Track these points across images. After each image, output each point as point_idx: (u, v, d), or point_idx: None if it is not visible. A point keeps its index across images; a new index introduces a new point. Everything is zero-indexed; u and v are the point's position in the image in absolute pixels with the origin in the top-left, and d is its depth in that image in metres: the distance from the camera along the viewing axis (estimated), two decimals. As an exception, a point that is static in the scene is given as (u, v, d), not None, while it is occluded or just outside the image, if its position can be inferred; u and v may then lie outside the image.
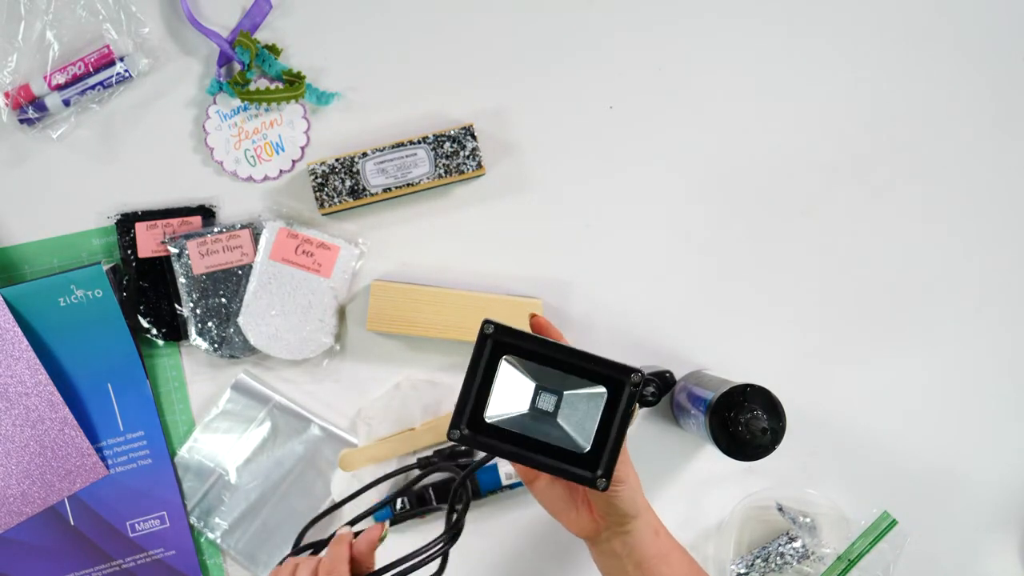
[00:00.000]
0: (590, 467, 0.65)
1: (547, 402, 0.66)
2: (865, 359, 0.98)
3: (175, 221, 0.94)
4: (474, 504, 0.95)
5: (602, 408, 0.65)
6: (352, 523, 0.77)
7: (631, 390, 0.65)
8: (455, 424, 0.65)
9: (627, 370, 0.65)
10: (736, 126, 0.97)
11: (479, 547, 0.96)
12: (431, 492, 0.93)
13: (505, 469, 0.94)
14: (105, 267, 0.92)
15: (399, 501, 0.93)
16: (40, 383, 0.90)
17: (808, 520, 0.94)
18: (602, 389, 0.65)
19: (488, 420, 0.66)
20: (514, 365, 0.66)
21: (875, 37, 0.98)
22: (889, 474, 0.97)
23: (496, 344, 0.65)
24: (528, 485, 0.75)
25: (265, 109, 0.95)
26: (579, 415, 0.66)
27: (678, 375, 0.95)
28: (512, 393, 0.66)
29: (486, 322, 0.65)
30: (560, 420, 0.66)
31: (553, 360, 0.66)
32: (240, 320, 0.93)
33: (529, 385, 0.66)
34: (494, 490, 0.93)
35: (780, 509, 0.94)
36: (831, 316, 0.97)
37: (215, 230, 0.93)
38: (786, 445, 0.85)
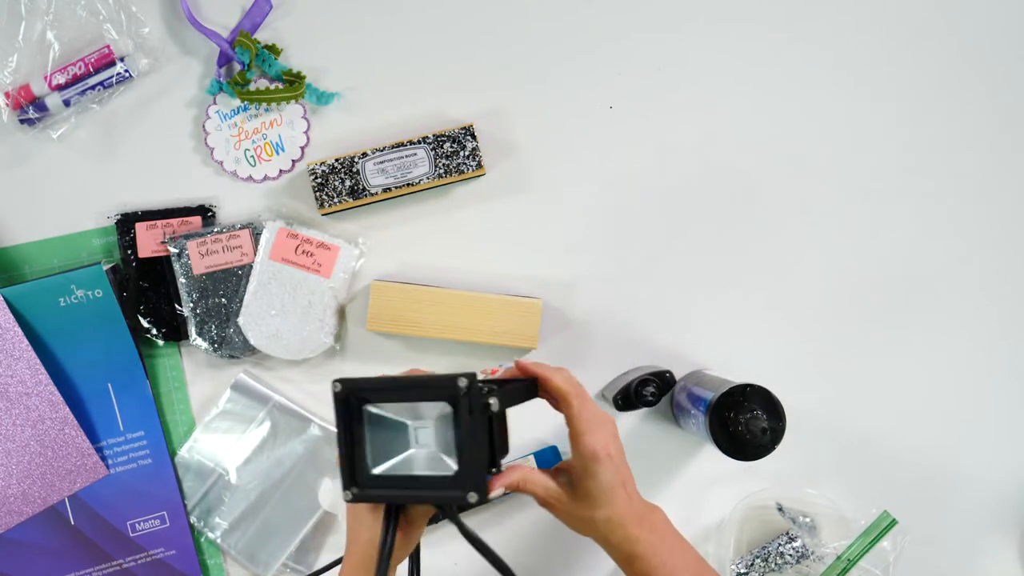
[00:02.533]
0: (461, 487, 0.62)
1: (425, 436, 0.65)
2: (865, 359, 0.98)
3: (175, 221, 0.94)
4: (474, 511, 0.95)
5: (453, 423, 0.63)
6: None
7: (463, 395, 0.61)
8: (345, 486, 0.64)
9: (453, 379, 0.62)
10: (736, 126, 0.97)
11: (478, 556, 0.96)
12: None
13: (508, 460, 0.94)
14: (105, 267, 0.92)
15: None
16: (40, 383, 0.90)
17: (808, 520, 0.94)
18: (447, 407, 0.63)
19: (376, 472, 0.65)
20: (382, 414, 0.65)
21: (874, 39, 0.98)
22: (889, 474, 0.97)
23: (351, 398, 0.64)
24: (550, 510, 0.74)
25: (265, 109, 0.95)
26: (448, 438, 0.64)
27: (678, 375, 0.95)
28: (393, 439, 0.65)
29: (334, 382, 0.64)
30: (437, 449, 0.65)
31: (402, 395, 0.64)
32: (240, 320, 0.93)
33: (404, 425, 0.65)
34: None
35: (780, 509, 0.94)
36: (831, 316, 0.97)
37: (215, 230, 0.93)
38: (786, 445, 0.85)
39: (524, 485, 0.71)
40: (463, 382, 0.61)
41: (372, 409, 0.65)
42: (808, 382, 0.97)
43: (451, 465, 0.64)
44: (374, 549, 0.67)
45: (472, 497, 0.62)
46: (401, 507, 0.66)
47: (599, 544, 0.74)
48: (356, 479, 0.65)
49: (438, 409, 0.64)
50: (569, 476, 0.73)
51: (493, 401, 0.63)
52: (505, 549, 0.96)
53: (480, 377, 0.64)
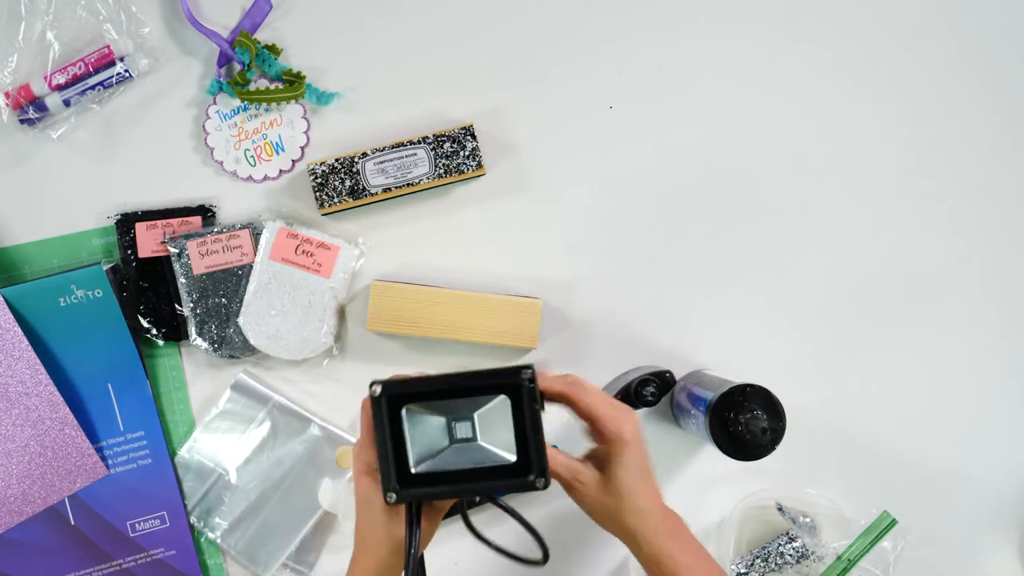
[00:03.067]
0: (524, 474, 0.65)
1: (464, 430, 0.66)
2: (865, 359, 0.98)
3: (175, 221, 0.94)
4: (482, 508, 0.95)
5: (511, 415, 0.65)
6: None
7: (527, 386, 0.64)
8: (386, 488, 0.65)
9: (517, 370, 0.65)
10: (736, 126, 0.97)
11: (480, 553, 0.96)
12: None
13: None
14: (105, 267, 0.92)
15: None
16: (40, 383, 0.90)
17: (808, 520, 0.94)
18: (503, 397, 0.65)
19: (416, 471, 0.65)
20: (418, 411, 0.66)
21: (874, 39, 0.98)
22: (889, 474, 0.97)
23: (390, 399, 0.64)
24: (576, 496, 0.73)
25: (265, 109, 0.95)
26: (497, 430, 0.66)
27: (678, 375, 0.95)
28: (429, 436, 0.66)
29: (372, 384, 0.64)
30: (483, 442, 0.66)
31: (450, 391, 0.65)
32: (240, 320, 0.93)
33: (440, 421, 0.66)
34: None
35: (780, 509, 0.94)
36: (831, 316, 0.97)
37: (215, 230, 0.93)
38: (786, 445, 0.85)
39: (551, 464, 0.69)
40: (528, 373, 0.64)
41: (410, 409, 0.65)
42: (808, 382, 0.97)
43: (501, 455, 0.65)
44: (389, 548, 0.67)
45: (540, 482, 0.64)
46: (422, 505, 0.66)
47: (622, 539, 0.72)
48: (399, 482, 0.65)
49: (482, 406, 0.66)
50: (596, 462, 0.72)
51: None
52: (507, 548, 0.96)
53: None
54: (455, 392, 0.65)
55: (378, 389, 0.64)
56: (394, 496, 0.64)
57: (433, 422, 0.66)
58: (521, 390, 0.64)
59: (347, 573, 0.70)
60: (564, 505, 0.96)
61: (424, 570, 0.71)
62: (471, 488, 0.66)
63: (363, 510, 0.69)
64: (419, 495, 0.65)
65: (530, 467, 0.64)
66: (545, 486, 0.65)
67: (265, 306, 0.93)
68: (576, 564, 0.96)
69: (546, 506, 0.95)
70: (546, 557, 0.71)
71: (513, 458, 0.65)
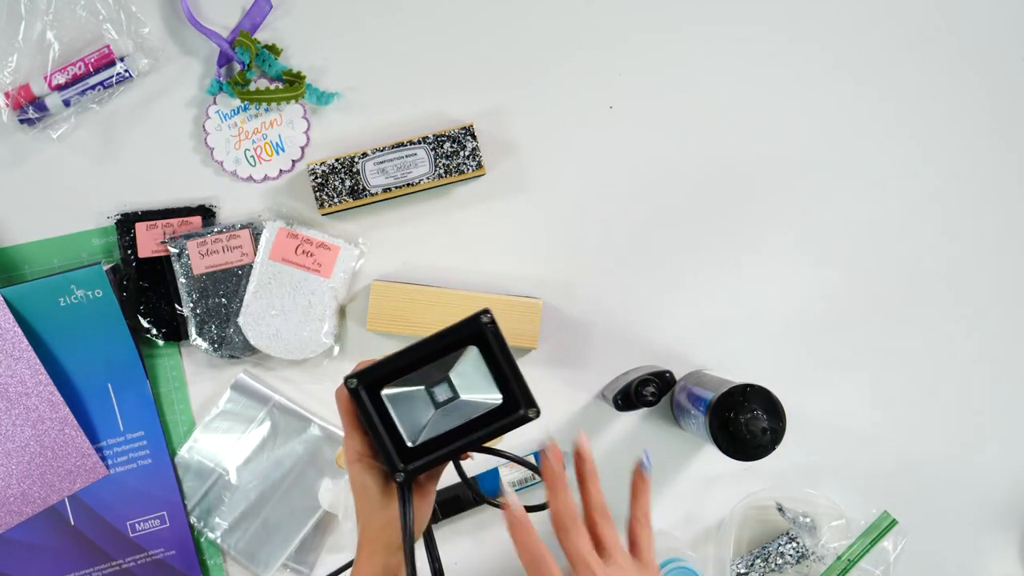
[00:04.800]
0: (514, 410, 0.66)
1: (443, 392, 0.67)
2: (865, 359, 0.98)
3: (175, 221, 0.94)
4: (475, 510, 0.95)
5: (484, 361, 0.66)
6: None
7: (490, 328, 0.65)
8: (392, 470, 0.65)
9: (475, 318, 0.66)
10: (736, 125, 0.97)
11: (480, 553, 0.96)
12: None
13: (508, 478, 0.94)
14: (105, 267, 0.92)
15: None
16: (40, 383, 0.90)
17: (808, 520, 0.94)
18: (472, 348, 0.66)
19: (413, 445, 0.66)
20: (397, 390, 0.66)
21: (875, 38, 0.98)
22: (889, 474, 0.97)
23: (368, 388, 0.66)
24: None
25: (265, 109, 0.95)
26: (476, 381, 0.67)
27: (678, 375, 0.95)
28: (415, 409, 0.67)
29: (347, 379, 0.65)
30: (465, 396, 0.67)
31: (421, 360, 0.66)
32: (240, 320, 0.93)
33: (421, 392, 0.67)
34: (497, 496, 0.94)
35: (780, 509, 0.94)
36: (832, 316, 0.97)
37: (215, 230, 0.93)
38: (786, 445, 0.85)
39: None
40: (487, 316, 0.65)
41: (389, 390, 0.66)
42: (808, 382, 0.97)
43: (488, 401, 0.66)
44: (391, 530, 0.67)
45: (532, 412, 0.65)
46: (414, 478, 0.67)
47: None
48: (404, 460, 0.66)
49: (453, 364, 0.67)
50: None
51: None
52: (502, 550, 0.96)
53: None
54: (426, 359, 0.66)
55: (354, 382, 0.65)
56: (402, 475, 0.65)
57: (415, 395, 0.67)
58: (485, 334, 0.65)
59: (355, 561, 0.70)
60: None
61: (435, 543, 0.72)
62: (468, 440, 0.66)
63: (360, 496, 0.69)
64: (423, 465, 0.66)
65: (518, 403, 0.66)
66: (537, 415, 0.65)
67: (265, 306, 0.93)
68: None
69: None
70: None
71: (499, 400, 0.66)
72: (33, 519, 0.92)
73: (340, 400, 0.67)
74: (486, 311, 0.65)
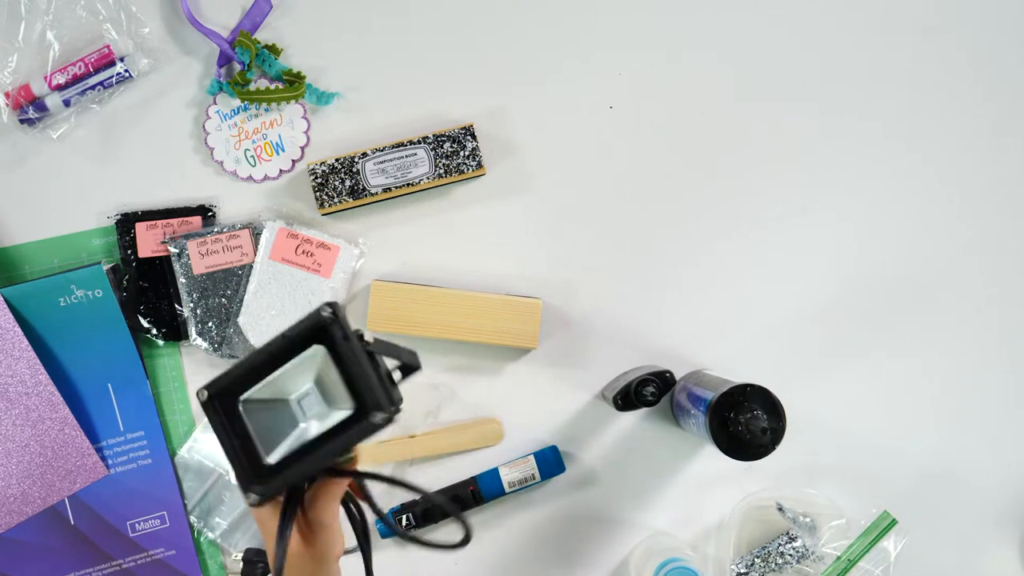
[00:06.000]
0: (363, 417, 0.58)
1: (310, 403, 0.60)
2: (865, 359, 0.98)
3: (175, 221, 0.94)
4: (477, 510, 0.95)
5: (332, 362, 0.58)
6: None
7: (330, 320, 0.57)
8: (245, 490, 0.59)
9: (316, 312, 0.58)
10: (735, 124, 0.97)
11: (481, 554, 0.96)
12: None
13: (508, 478, 0.94)
14: (105, 267, 0.92)
15: (404, 517, 0.93)
16: (40, 383, 0.90)
17: (808, 520, 0.94)
18: (318, 347, 0.59)
19: (272, 462, 0.59)
20: (258, 401, 0.60)
21: (875, 38, 0.98)
22: (889, 474, 0.97)
23: (221, 399, 0.59)
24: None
25: (265, 109, 0.95)
26: (335, 386, 0.59)
27: (678, 375, 0.95)
28: (280, 422, 0.60)
29: (199, 391, 0.60)
30: (328, 406, 0.60)
31: (270, 362, 0.59)
32: (240, 320, 0.93)
33: (286, 403, 0.61)
34: (497, 496, 0.94)
35: (780, 509, 0.94)
36: (831, 316, 0.97)
37: (215, 230, 0.93)
38: (786, 445, 0.85)
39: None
40: (327, 310, 0.57)
41: (247, 399, 0.60)
42: (808, 382, 0.97)
43: (343, 410, 0.59)
44: (303, 562, 0.61)
45: (376, 417, 0.56)
46: (300, 498, 0.61)
47: None
48: (257, 478, 0.59)
49: (313, 369, 0.60)
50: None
51: (367, 333, 0.59)
52: (503, 550, 0.96)
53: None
54: (277, 362, 0.59)
55: (204, 393, 0.60)
56: (256, 496, 0.59)
57: (277, 405, 0.60)
58: (328, 331, 0.57)
59: None
60: (564, 505, 0.96)
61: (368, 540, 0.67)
62: (320, 456, 0.58)
63: (264, 532, 0.63)
64: (278, 486, 0.59)
65: (366, 408, 0.57)
66: (387, 420, 0.57)
67: (265, 306, 0.93)
68: (576, 564, 0.96)
69: (546, 505, 0.95)
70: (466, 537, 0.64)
71: (353, 404, 0.58)
72: (33, 519, 0.92)
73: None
74: (330, 303, 0.58)
